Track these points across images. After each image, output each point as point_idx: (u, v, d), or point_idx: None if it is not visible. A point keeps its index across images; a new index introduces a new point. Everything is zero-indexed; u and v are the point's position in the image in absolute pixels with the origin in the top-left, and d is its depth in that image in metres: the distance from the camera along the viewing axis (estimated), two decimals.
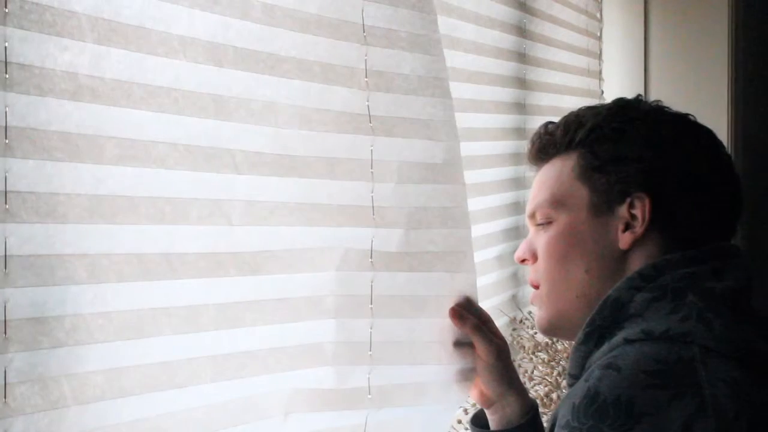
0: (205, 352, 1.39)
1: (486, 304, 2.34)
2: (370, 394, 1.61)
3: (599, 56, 3.28)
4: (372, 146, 1.62)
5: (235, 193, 1.43)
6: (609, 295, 1.39)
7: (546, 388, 2.33)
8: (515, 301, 2.57)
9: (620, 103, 1.52)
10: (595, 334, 1.38)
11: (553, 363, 2.34)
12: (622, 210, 1.44)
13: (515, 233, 2.57)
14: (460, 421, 2.15)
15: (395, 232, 1.64)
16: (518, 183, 2.59)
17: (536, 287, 1.54)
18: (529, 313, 2.52)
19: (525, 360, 2.42)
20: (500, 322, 2.44)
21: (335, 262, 1.57)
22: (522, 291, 2.62)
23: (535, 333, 2.42)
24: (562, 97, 2.92)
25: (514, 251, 2.52)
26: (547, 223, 1.50)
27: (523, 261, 1.57)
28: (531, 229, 1.56)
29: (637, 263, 1.43)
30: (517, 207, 2.58)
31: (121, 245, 1.27)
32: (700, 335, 1.28)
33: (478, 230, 2.32)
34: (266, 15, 1.47)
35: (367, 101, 1.62)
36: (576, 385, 1.30)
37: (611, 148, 1.46)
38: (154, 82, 1.31)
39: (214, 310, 1.40)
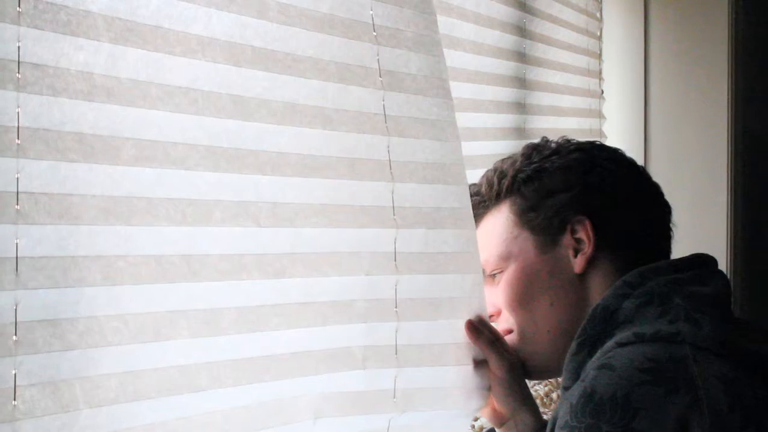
0: (226, 356, 1.37)
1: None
2: (395, 397, 1.61)
3: (599, 56, 3.27)
4: (389, 146, 1.62)
5: (261, 195, 1.42)
6: (597, 305, 1.43)
7: (546, 388, 2.32)
8: None
9: (531, 147, 1.62)
10: (587, 343, 1.41)
11: None
12: (566, 238, 1.51)
13: None
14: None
15: (415, 233, 1.64)
16: None
17: (508, 333, 1.60)
18: None
19: None
20: None
21: (361, 264, 1.56)
22: None
23: None
24: (562, 97, 2.92)
25: None
26: (499, 272, 1.57)
27: (490, 317, 1.62)
28: (487, 285, 1.62)
29: (597, 282, 1.50)
30: None
31: (138, 247, 1.26)
32: (689, 335, 1.32)
33: None
34: (282, 14, 1.46)
35: (383, 101, 1.62)
36: (573, 387, 1.33)
37: (537, 187, 1.55)
38: (172, 82, 1.30)
39: (236, 313, 1.38)
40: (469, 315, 1.67)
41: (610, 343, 1.36)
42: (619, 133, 3.36)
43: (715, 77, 3.20)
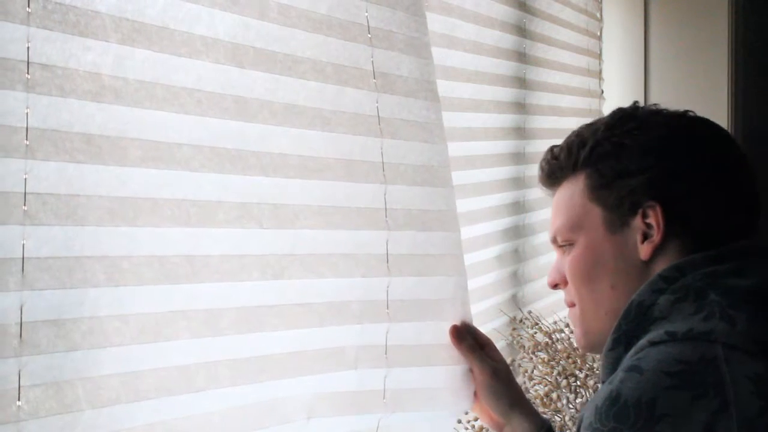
0: (225, 356, 1.38)
1: (486, 304, 2.35)
2: (384, 397, 1.62)
3: (599, 56, 3.27)
4: (382, 148, 1.63)
5: (263, 196, 1.43)
6: (632, 300, 1.39)
7: (546, 388, 2.33)
8: (515, 301, 2.56)
9: (617, 116, 1.53)
10: (623, 339, 1.38)
11: (552, 363, 2.34)
12: (637, 222, 1.44)
13: (515, 233, 2.57)
14: (459, 421, 2.15)
15: (406, 235, 1.65)
16: (518, 183, 2.58)
17: (572, 306, 1.55)
18: (529, 312, 2.52)
19: (525, 360, 2.42)
20: (500, 322, 2.45)
21: (357, 266, 1.57)
22: (522, 291, 2.61)
23: (535, 333, 2.42)
24: (562, 97, 2.92)
25: (515, 251, 2.55)
26: (569, 245, 1.51)
27: (555, 286, 1.57)
28: (556, 252, 1.57)
29: None
30: (516, 207, 2.58)
31: (142, 247, 1.26)
32: (723, 333, 1.28)
33: (478, 230, 2.33)
34: (282, 15, 1.47)
35: (377, 102, 1.63)
36: (601, 388, 1.31)
37: (614, 164, 1.47)
38: (178, 83, 1.30)
39: (235, 313, 1.39)
40: (454, 317, 1.70)
41: (643, 341, 1.33)
42: None
43: (715, 77, 3.21)
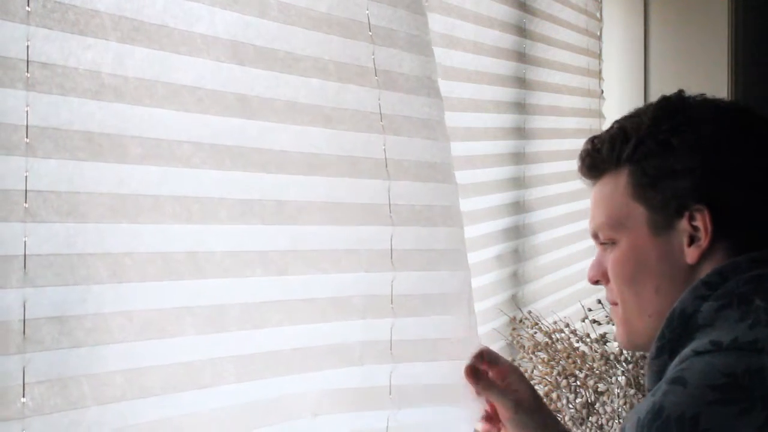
0: (229, 353, 1.38)
1: (486, 304, 2.35)
2: (390, 393, 1.62)
3: (599, 56, 3.27)
4: (384, 145, 1.63)
5: (265, 193, 1.43)
6: (675, 308, 1.34)
7: (546, 388, 2.33)
8: (515, 301, 2.56)
9: (662, 109, 1.45)
10: (667, 347, 1.34)
11: (552, 362, 2.34)
12: (683, 224, 1.38)
13: (515, 233, 2.57)
14: None
15: (410, 231, 1.66)
16: (518, 183, 2.58)
17: (614, 305, 1.50)
18: (529, 312, 2.52)
19: (525, 360, 2.42)
20: (500, 322, 2.45)
21: (360, 261, 1.58)
22: (522, 291, 2.61)
23: (535, 333, 2.42)
24: (562, 97, 2.92)
25: (515, 251, 2.55)
26: (611, 243, 1.45)
27: (596, 282, 1.52)
28: (597, 247, 1.51)
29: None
30: (517, 207, 2.58)
31: (145, 244, 1.27)
32: None
33: (478, 230, 2.33)
34: (282, 13, 1.48)
35: (379, 99, 1.63)
36: (644, 399, 1.27)
37: (659, 163, 1.40)
38: (178, 80, 1.31)
39: (239, 309, 1.40)
40: (460, 312, 1.70)
41: (687, 350, 1.28)
42: None
43: (715, 77, 3.21)
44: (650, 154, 1.40)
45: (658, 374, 1.33)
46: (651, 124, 1.42)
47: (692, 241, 1.37)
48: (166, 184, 1.29)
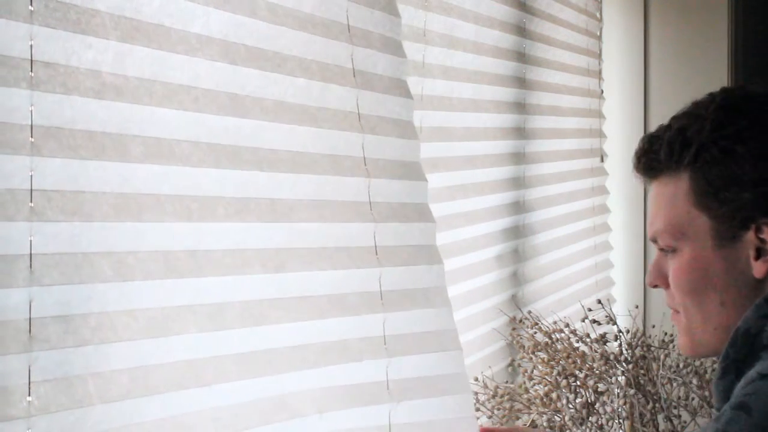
0: (231, 350, 1.39)
1: (486, 304, 2.35)
2: (388, 388, 1.65)
3: (599, 56, 3.27)
4: (363, 143, 1.66)
5: (260, 191, 1.45)
6: (739, 327, 1.30)
7: (546, 388, 2.33)
8: (515, 301, 2.56)
9: (724, 109, 1.35)
10: (732, 367, 1.29)
11: (552, 363, 2.34)
12: (749, 236, 1.31)
13: (515, 233, 2.57)
14: None
15: (390, 227, 1.69)
16: (518, 183, 2.59)
17: (676, 312, 1.43)
18: (529, 312, 2.52)
19: (525, 360, 2.42)
20: (500, 322, 2.45)
21: (350, 258, 1.60)
22: (522, 291, 2.62)
23: (535, 333, 2.42)
24: (562, 97, 2.92)
25: (515, 251, 2.55)
26: (671, 250, 1.38)
27: (654, 286, 1.45)
28: (656, 250, 1.44)
29: None
30: (517, 207, 2.58)
31: (147, 243, 1.28)
32: None
33: (478, 230, 2.33)
34: (271, 13, 1.49)
35: (357, 99, 1.66)
36: (708, 424, 1.24)
37: (723, 172, 1.31)
38: (175, 80, 1.32)
39: (240, 307, 1.41)
40: (439, 304, 1.75)
41: (752, 372, 1.24)
42: (618, 132, 3.37)
43: (715, 77, 3.21)
44: (713, 162, 1.32)
45: (725, 394, 1.29)
46: (713, 129, 1.33)
47: (759, 254, 1.31)
48: (166, 182, 1.31)
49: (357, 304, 1.61)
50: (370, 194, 1.66)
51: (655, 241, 1.41)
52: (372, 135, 1.68)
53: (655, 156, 1.38)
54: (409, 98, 1.79)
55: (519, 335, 2.47)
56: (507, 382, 2.43)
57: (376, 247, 1.66)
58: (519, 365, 2.46)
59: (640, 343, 2.40)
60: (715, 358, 1.37)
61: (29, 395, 1.14)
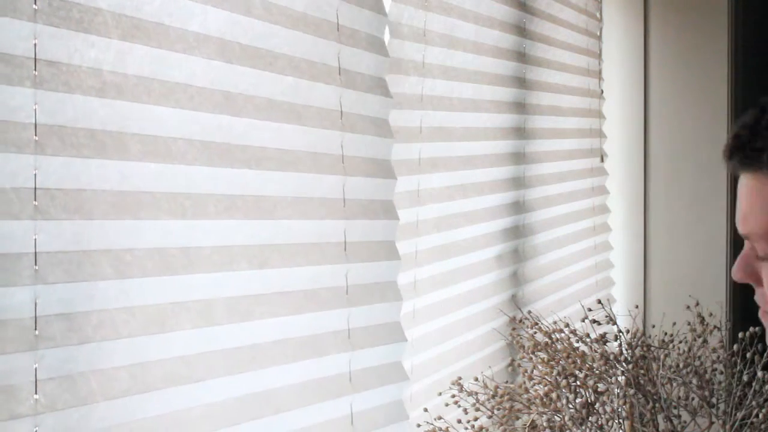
0: (220, 346, 1.42)
1: (486, 304, 2.35)
2: (350, 380, 1.70)
3: (599, 56, 3.28)
4: (342, 142, 1.69)
5: (247, 188, 1.47)
6: None
7: (546, 388, 2.33)
8: (515, 301, 2.57)
9: None
10: None
11: (552, 362, 2.34)
12: None
13: (515, 233, 2.57)
14: (459, 421, 2.15)
15: (358, 224, 1.73)
16: (518, 183, 2.59)
17: (765, 312, 1.36)
18: (529, 312, 2.52)
19: (525, 360, 2.42)
20: (500, 322, 2.45)
21: (323, 254, 1.64)
22: (522, 291, 2.62)
23: (535, 333, 2.42)
24: (562, 97, 2.92)
25: (515, 251, 2.55)
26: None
27: (742, 282, 1.34)
28: (745, 243, 1.32)
29: None
30: (517, 207, 2.58)
31: (144, 241, 1.29)
32: None
33: (478, 230, 2.33)
34: (266, 11, 1.51)
35: (340, 98, 1.69)
36: None
37: None
38: (173, 78, 1.33)
39: (226, 303, 1.43)
40: (393, 298, 1.81)
41: None
42: (618, 132, 3.37)
43: (715, 77, 3.21)
44: None
45: None
46: None
47: None
48: (163, 180, 1.32)
49: (328, 299, 1.65)
50: (345, 191, 1.70)
51: (747, 238, 1.30)
52: (351, 133, 1.72)
53: (753, 153, 1.25)
54: (388, 97, 1.82)
55: (519, 335, 2.48)
56: (507, 382, 2.43)
57: (345, 243, 1.69)
58: (519, 365, 2.47)
59: (640, 343, 2.40)
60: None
61: (36, 393, 1.14)
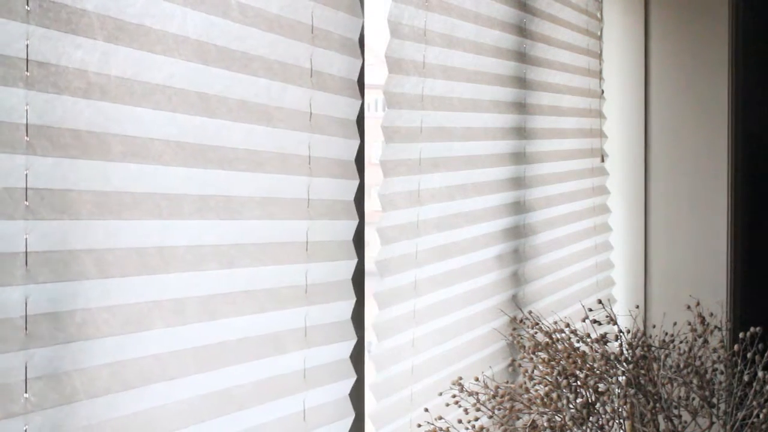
0: (190, 345, 1.43)
1: (486, 304, 2.35)
2: (305, 377, 1.71)
3: (599, 56, 3.27)
4: (310, 143, 1.70)
5: (219, 189, 1.48)
6: None
7: (546, 388, 2.32)
8: (515, 301, 2.57)
9: None
10: None
11: (552, 363, 2.34)
12: None
13: (515, 233, 2.57)
14: (460, 421, 2.15)
15: (321, 224, 1.74)
16: (518, 183, 2.59)
17: None
18: (529, 312, 2.52)
19: (525, 360, 2.42)
20: (500, 322, 2.45)
21: (286, 254, 1.66)
22: (522, 291, 2.62)
23: (535, 333, 2.42)
24: (562, 97, 2.92)
25: (515, 251, 2.55)
26: None
27: None
28: None
29: None
30: (517, 207, 2.58)
31: (124, 240, 1.30)
32: None
33: (478, 230, 2.33)
34: (242, 14, 1.52)
35: (311, 99, 1.70)
36: None
37: None
38: (152, 79, 1.34)
39: (198, 302, 1.44)
40: (348, 297, 1.84)
41: None
42: (619, 132, 3.37)
43: (715, 77, 3.21)
44: None
45: None
46: None
47: None
48: (142, 181, 1.33)
49: (288, 298, 1.67)
50: (310, 192, 1.71)
51: None
52: (319, 134, 1.73)
53: None
54: (357, 99, 1.84)
55: (519, 335, 2.47)
56: (507, 382, 2.43)
57: (307, 243, 1.71)
58: (519, 365, 2.46)
59: (640, 343, 2.39)
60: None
61: (26, 392, 1.15)
